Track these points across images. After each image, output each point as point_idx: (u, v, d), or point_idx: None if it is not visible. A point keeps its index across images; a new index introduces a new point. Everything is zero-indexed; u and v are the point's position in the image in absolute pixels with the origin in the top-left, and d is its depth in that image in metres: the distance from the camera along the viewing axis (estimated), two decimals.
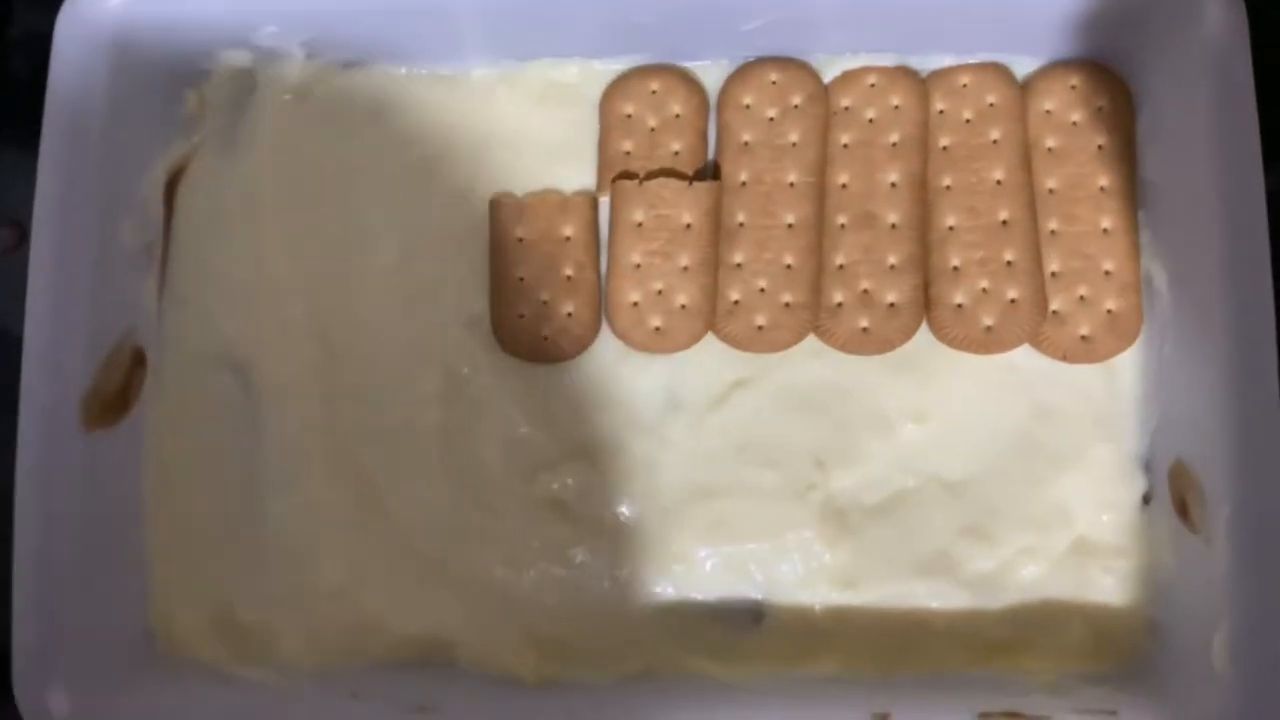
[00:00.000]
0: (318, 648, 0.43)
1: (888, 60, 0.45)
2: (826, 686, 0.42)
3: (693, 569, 0.43)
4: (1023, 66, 0.45)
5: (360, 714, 0.40)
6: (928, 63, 0.45)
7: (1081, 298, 0.43)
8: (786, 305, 0.43)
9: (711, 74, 0.45)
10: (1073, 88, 0.44)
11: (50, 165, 0.41)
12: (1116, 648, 0.42)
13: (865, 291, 0.43)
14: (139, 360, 0.44)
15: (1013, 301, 0.43)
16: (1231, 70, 0.40)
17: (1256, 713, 0.37)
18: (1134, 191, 0.43)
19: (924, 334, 0.44)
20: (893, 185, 0.44)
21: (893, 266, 0.43)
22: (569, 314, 0.44)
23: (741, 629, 0.43)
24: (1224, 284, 0.39)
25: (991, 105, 0.44)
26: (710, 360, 0.44)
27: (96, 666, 0.41)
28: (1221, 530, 0.38)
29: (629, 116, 0.45)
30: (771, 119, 0.45)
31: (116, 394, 0.42)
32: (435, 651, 0.43)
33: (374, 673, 0.43)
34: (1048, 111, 0.44)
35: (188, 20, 0.43)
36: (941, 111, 0.45)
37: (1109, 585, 0.43)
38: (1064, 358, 0.43)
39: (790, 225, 0.44)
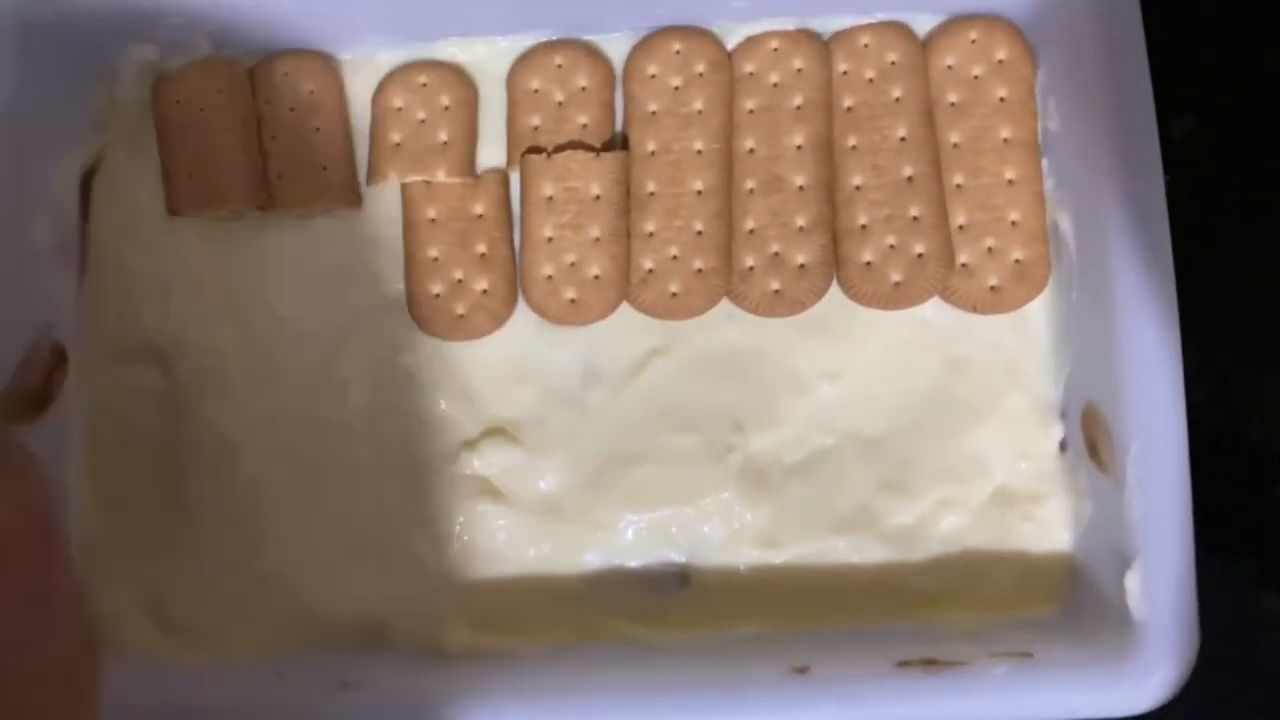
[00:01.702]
0: (253, 633, 0.43)
1: (789, 24, 0.45)
2: (750, 644, 0.42)
3: (617, 536, 0.44)
4: (922, 24, 0.45)
5: (282, 692, 0.40)
6: (829, 24, 0.45)
7: (989, 249, 0.44)
8: (699, 271, 0.44)
9: (616, 46, 0.46)
10: (972, 42, 0.44)
11: None
12: (1041, 593, 0.43)
13: (775, 254, 0.44)
14: (60, 356, 0.44)
15: (920, 256, 0.43)
16: (1122, 18, 0.40)
17: (1164, 648, 0.37)
18: (1036, 142, 0.44)
19: (835, 294, 0.44)
20: (798, 148, 0.44)
21: (801, 228, 0.44)
22: (484, 290, 0.44)
23: (668, 593, 0.43)
24: (1122, 228, 0.39)
25: (893, 64, 0.45)
26: (626, 329, 0.44)
27: None
28: (1129, 470, 0.39)
29: (535, 91, 0.45)
30: (676, 88, 0.45)
31: (37, 390, 0.43)
32: (368, 631, 0.43)
33: (308, 655, 0.43)
34: (949, 67, 0.45)
35: (91, 15, 0.43)
36: (844, 72, 0.45)
37: (1029, 532, 0.43)
38: (974, 309, 0.44)
39: (699, 192, 0.44)
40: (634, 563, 0.44)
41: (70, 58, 0.44)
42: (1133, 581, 0.38)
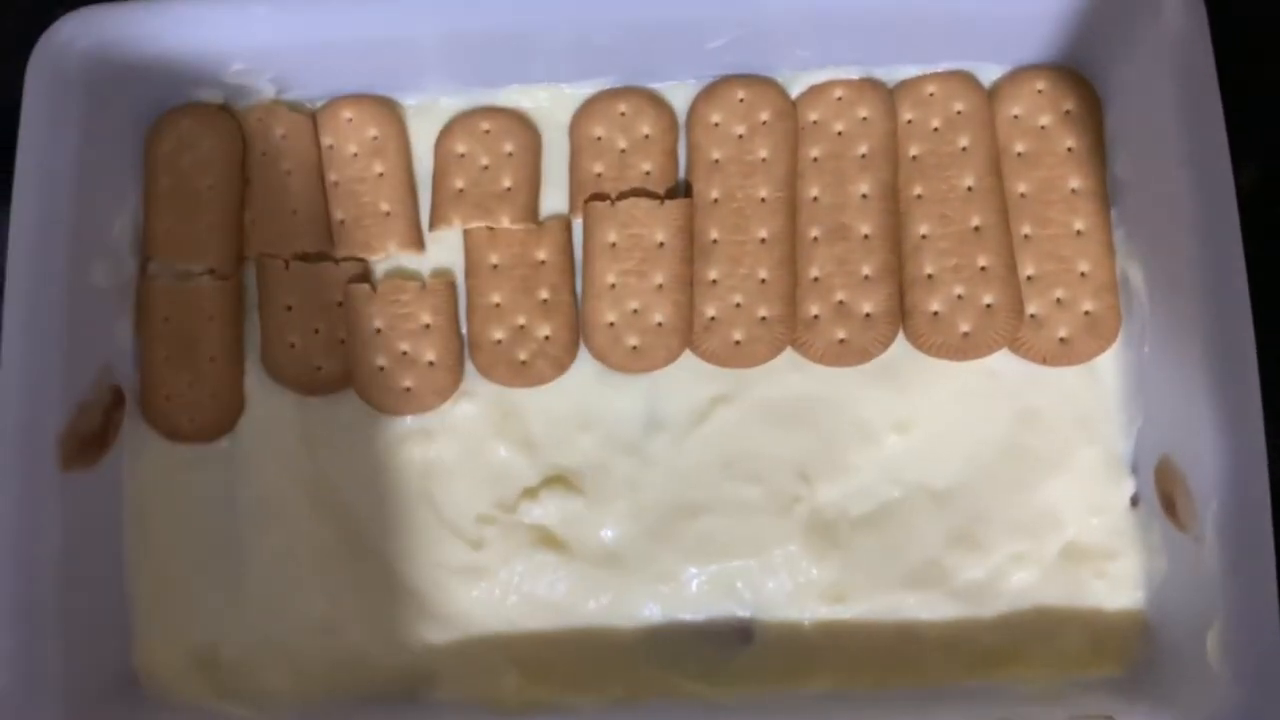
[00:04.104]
0: (302, 684, 0.43)
1: (854, 73, 0.45)
2: (818, 704, 0.41)
3: (679, 589, 0.43)
4: (988, 73, 0.45)
5: None
6: (894, 74, 0.45)
7: (1058, 300, 0.43)
8: (763, 319, 0.43)
9: (679, 94, 0.46)
10: (1039, 92, 0.44)
11: (23, 210, 0.41)
12: (1113, 652, 0.42)
13: (841, 303, 0.43)
14: (118, 399, 0.44)
15: (988, 306, 0.43)
16: (1194, 66, 0.40)
17: (1253, 708, 0.36)
18: (1105, 192, 0.44)
19: (902, 343, 0.43)
20: (864, 196, 0.44)
21: (867, 277, 0.43)
22: (546, 337, 0.44)
23: (731, 648, 0.42)
24: (1199, 279, 0.39)
25: (959, 113, 0.44)
26: (689, 377, 0.44)
27: (79, 709, 0.40)
28: (1210, 526, 0.38)
29: (599, 139, 0.45)
30: (740, 136, 0.45)
31: (95, 434, 0.42)
32: (419, 682, 0.43)
33: (358, 706, 0.42)
34: (1015, 116, 0.44)
35: (156, 60, 0.43)
36: (910, 121, 0.45)
37: (1102, 589, 0.42)
38: (1044, 361, 0.43)
39: (763, 240, 0.44)
40: (696, 616, 0.43)
41: (136, 104, 0.45)
42: (1215, 641, 0.37)
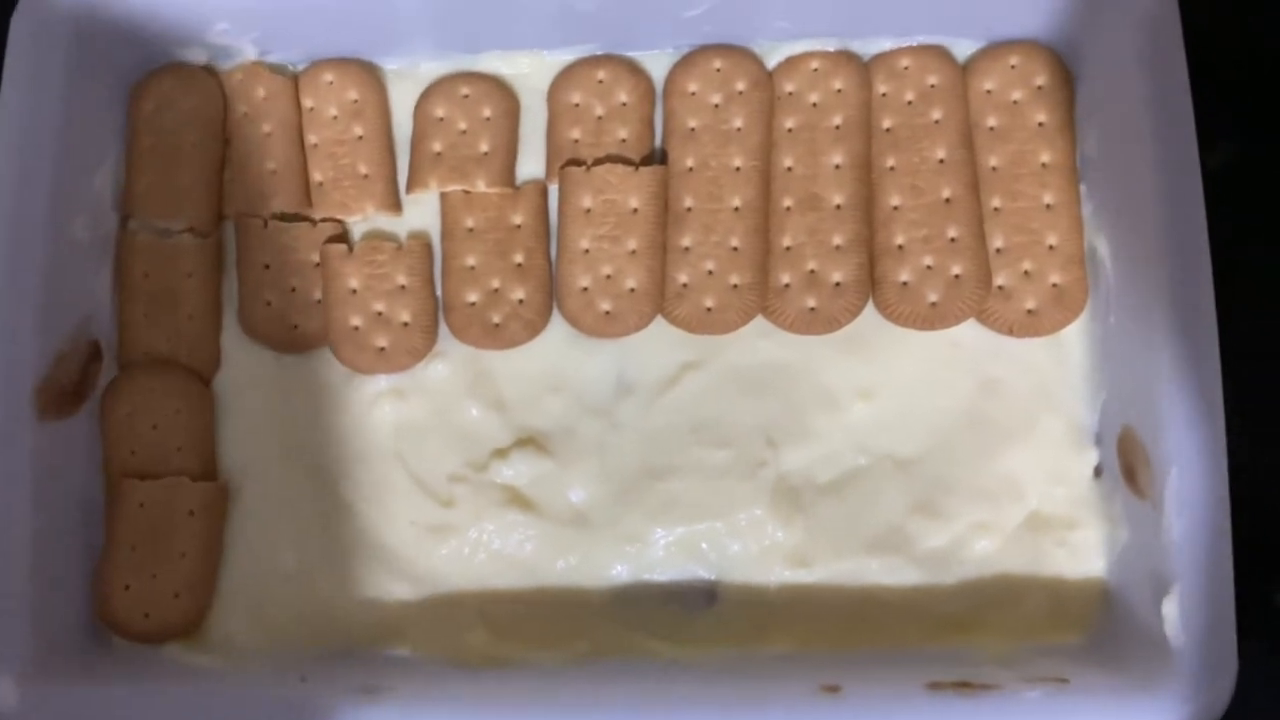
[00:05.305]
0: (270, 635, 0.43)
1: (829, 45, 0.45)
2: (778, 663, 0.41)
3: (646, 550, 0.43)
4: (962, 48, 0.45)
5: (307, 697, 0.40)
6: (869, 47, 0.46)
7: (1026, 272, 0.43)
8: (734, 287, 0.44)
9: (657, 63, 0.46)
10: (1012, 67, 0.45)
11: (4, 161, 0.42)
12: (1073, 619, 0.42)
13: (811, 272, 0.44)
14: (95, 353, 0.44)
15: (957, 277, 0.43)
16: (1162, 45, 0.41)
17: (1205, 673, 0.37)
18: (1075, 167, 0.44)
19: (871, 313, 0.44)
20: (837, 167, 0.44)
21: (838, 246, 0.44)
22: (520, 300, 0.45)
23: (695, 609, 0.43)
24: (1163, 254, 0.39)
25: (933, 86, 0.45)
26: (660, 343, 0.44)
27: (47, 656, 0.40)
28: (1169, 494, 0.38)
29: (576, 105, 0.46)
30: (716, 105, 0.45)
31: (72, 385, 0.43)
32: (387, 637, 0.43)
33: (325, 658, 0.43)
34: (988, 91, 0.45)
35: (141, 19, 0.44)
36: (884, 94, 0.45)
37: (1063, 558, 0.43)
38: (1011, 332, 0.43)
39: (736, 208, 0.44)
40: (662, 577, 0.43)
41: (120, 62, 0.45)
42: (1170, 607, 0.38)
